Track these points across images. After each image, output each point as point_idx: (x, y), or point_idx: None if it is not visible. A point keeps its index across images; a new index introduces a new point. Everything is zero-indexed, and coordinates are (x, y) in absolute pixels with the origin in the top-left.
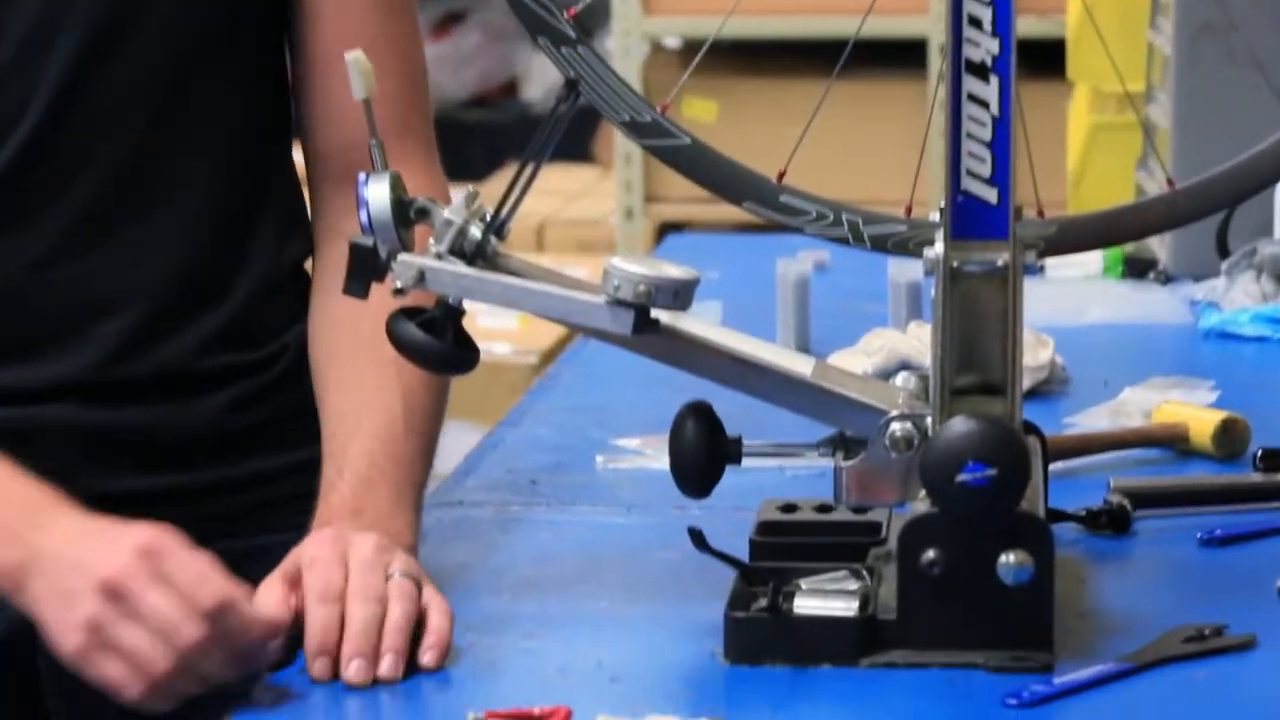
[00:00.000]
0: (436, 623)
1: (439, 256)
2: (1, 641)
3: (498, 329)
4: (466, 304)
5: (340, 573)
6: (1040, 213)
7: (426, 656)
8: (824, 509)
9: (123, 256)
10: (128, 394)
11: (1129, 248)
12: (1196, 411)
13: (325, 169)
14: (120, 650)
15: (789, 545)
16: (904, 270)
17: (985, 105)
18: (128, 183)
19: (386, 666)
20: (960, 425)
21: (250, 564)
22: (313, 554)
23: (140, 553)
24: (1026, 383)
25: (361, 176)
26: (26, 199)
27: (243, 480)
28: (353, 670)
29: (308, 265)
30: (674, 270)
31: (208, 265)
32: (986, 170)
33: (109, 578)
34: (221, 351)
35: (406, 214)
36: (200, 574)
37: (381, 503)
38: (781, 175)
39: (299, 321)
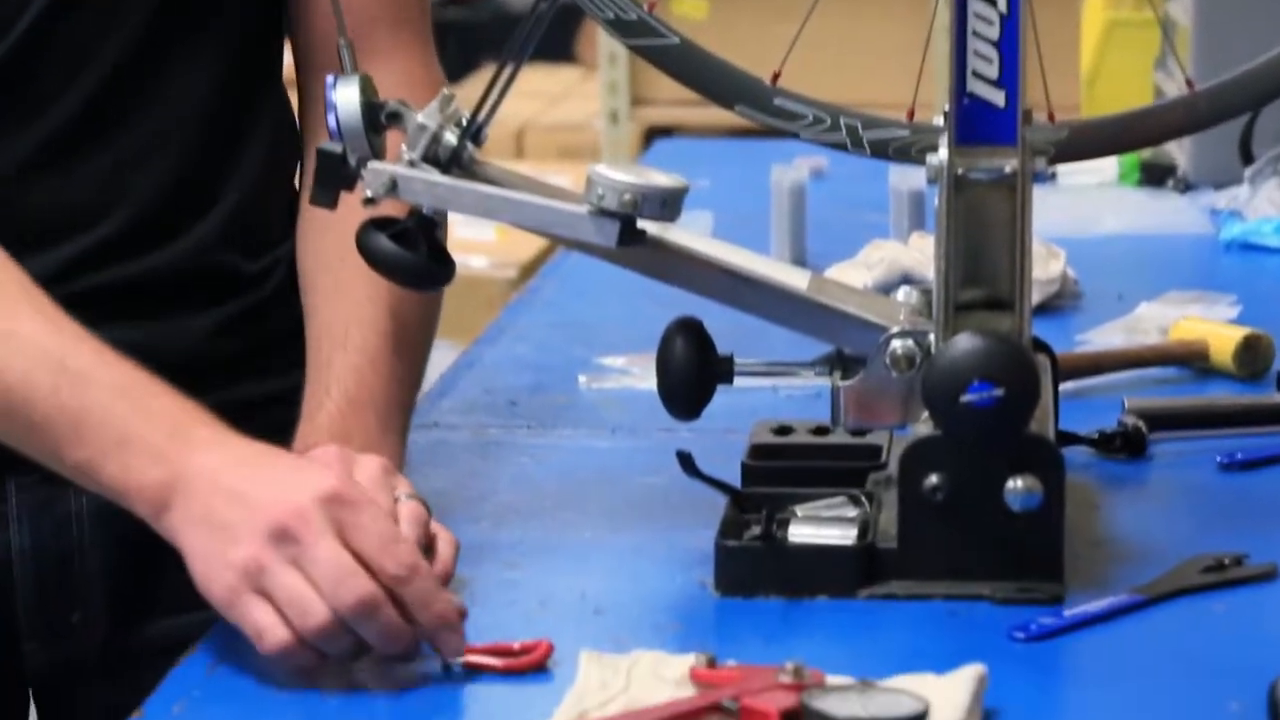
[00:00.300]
0: (444, 552)
1: (412, 164)
2: None
3: (474, 241)
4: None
5: None
6: (1051, 116)
7: None
8: (820, 431)
9: (112, 162)
10: (111, 308)
11: (1146, 153)
12: (1217, 328)
13: (314, 62)
14: (275, 597)
15: (783, 470)
16: (906, 178)
17: (993, 1)
18: (121, 88)
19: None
20: (965, 342)
21: None
22: None
23: (323, 499)
24: (1036, 297)
25: (329, 79)
26: (17, 102)
27: (231, 407)
28: None
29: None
30: (662, 178)
31: (197, 173)
32: (994, 71)
33: (281, 520)
34: (212, 260)
35: (377, 118)
36: (390, 533)
37: (370, 428)
38: (776, 76)
39: (290, 237)
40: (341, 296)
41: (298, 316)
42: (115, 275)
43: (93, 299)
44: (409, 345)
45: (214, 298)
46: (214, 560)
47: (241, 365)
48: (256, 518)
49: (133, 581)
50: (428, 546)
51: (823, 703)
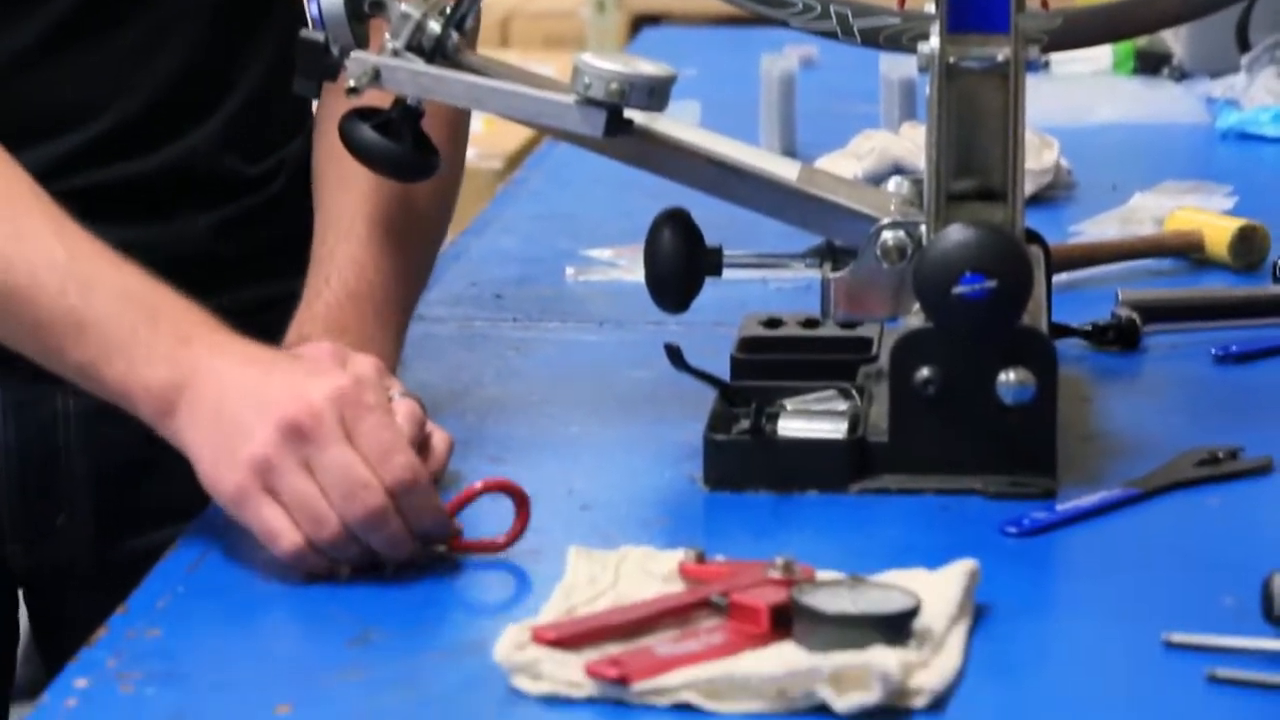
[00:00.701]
0: (438, 449)
1: (395, 53)
2: None
3: None
4: (426, 105)
5: None
6: (1044, 3)
7: None
8: (810, 324)
9: (110, 58)
10: (108, 206)
11: (1141, 41)
12: (1212, 218)
13: None
14: (286, 501)
15: (773, 363)
16: (897, 66)
17: None
18: None
19: None
20: (957, 233)
21: None
22: None
23: (335, 398)
24: (1029, 187)
25: None
26: None
27: (232, 309)
28: None
29: None
30: (649, 67)
31: (200, 74)
32: None
33: (293, 417)
34: (213, 162)
35: (360, 7)
36: (393, 441)
37: (366, 323)
38: None
39: (296, 137)
40: (349, 188)
41: (301, 220)
42: (113, 174)
43: (89, 196)
44: (415, 242)
45: (213, 200)
46: (223, 458)
47: (242, 268)
48: (268, 414)
49: (119, 489)
50: (423, 444)
51: (813, 598)
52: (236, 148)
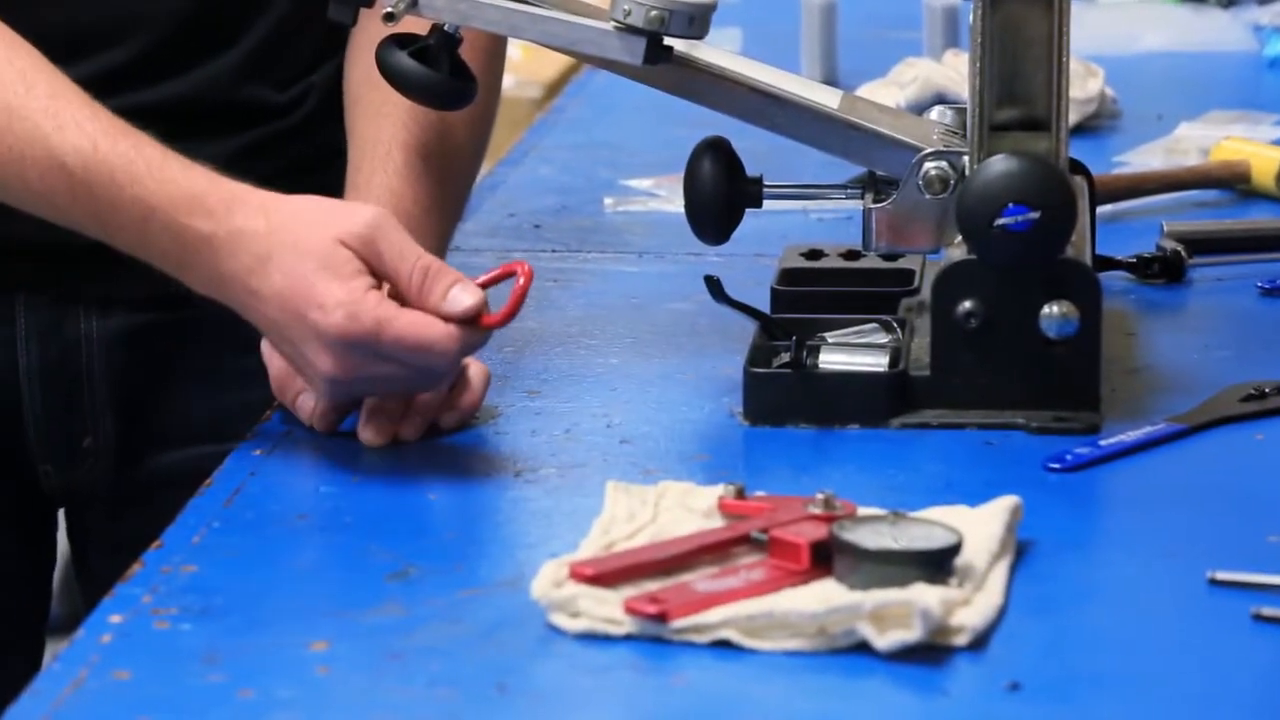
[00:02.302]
0: (475, 382)
1: None
2: None
3: None
4: (464, 31)
5: None
6: None
7: (450, 417)
8: (852, 255)
9: None
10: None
11: None
12: (1259, 148)
13: None
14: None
15: (814, 295)
16: None
17: None
18: None
19: (411, 429)
20: (1000, 164)
21: (247, 326)
22: None
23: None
24: (1073, 117)
25: None
26: None
27: None
28: (370, 432)
29: None
30: None
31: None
32: None
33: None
34: (234, 91)
35: None
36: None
37: None
38: None
39: (327, 61)
40: (385, 116)
41: (323, 144)
42: (134, 100)
43: None
44: (452, 172)
45: (236, 127)
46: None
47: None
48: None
49: (140, 410)
50: (459, 377)
51: (853, 534)
52: (262, 75)
